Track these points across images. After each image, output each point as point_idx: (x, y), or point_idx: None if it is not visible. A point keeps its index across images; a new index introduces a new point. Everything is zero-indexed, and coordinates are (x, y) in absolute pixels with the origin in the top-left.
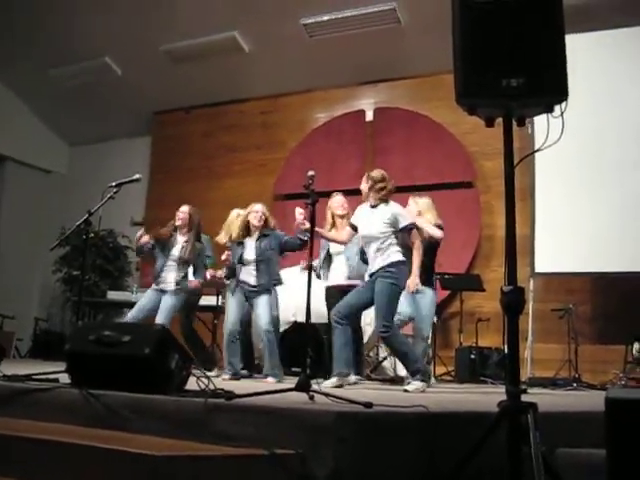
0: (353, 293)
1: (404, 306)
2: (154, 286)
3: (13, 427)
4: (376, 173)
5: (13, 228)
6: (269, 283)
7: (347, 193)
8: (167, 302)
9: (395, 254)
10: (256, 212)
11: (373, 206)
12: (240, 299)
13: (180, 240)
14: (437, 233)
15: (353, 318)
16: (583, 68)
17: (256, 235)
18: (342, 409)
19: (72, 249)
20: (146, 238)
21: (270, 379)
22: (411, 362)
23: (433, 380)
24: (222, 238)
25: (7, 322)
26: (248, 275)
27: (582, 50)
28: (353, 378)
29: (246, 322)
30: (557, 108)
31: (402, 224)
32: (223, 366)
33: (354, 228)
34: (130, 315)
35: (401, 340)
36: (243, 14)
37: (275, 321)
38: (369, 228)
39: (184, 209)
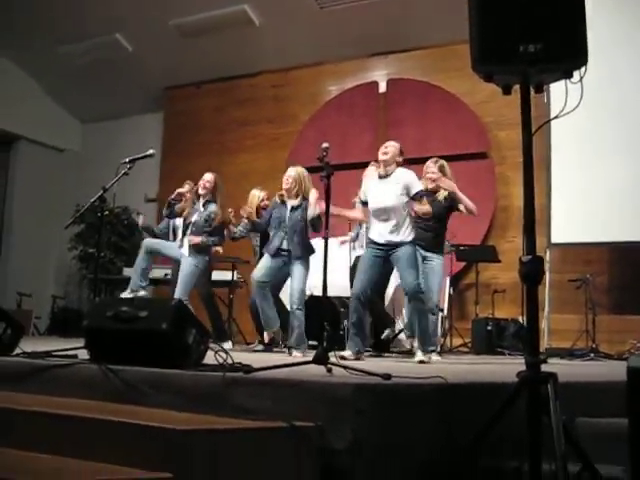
0: (367, 268)
1: None
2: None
3: (33, 402)
4: (401, 146)
5: (28, 207)
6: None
7: (360, 166)
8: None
9: (410, 232)
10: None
11: (384, 177)
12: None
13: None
14: (474, 208)
15: (378, 293)
16: (601, 34)
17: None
18: (360, 381)
19: (87, 227)
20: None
21: (296, 352)
22: (428, 336)
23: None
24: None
25: (25, 300)
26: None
27: (601, 16)
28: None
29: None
30: (576, 74)
31: (414, 190)
32: (242, 339)
33: (364, 203)
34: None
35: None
36: None
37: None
38: (383, 200)
39: (210, 177)
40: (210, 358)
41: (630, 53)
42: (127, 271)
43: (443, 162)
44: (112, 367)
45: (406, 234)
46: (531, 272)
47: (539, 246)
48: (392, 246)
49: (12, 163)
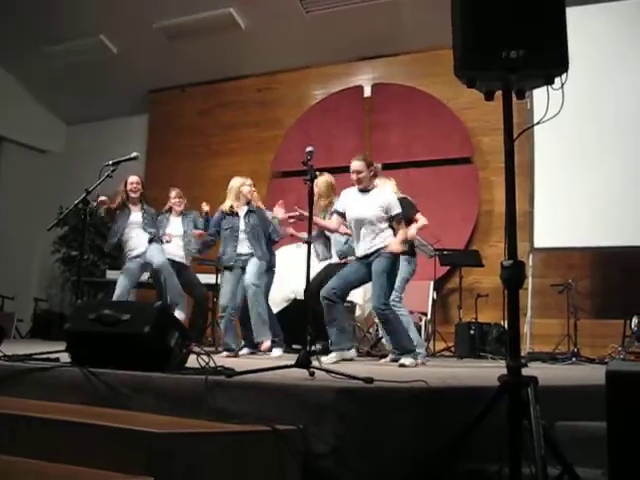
0: (349, 272)
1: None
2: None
3: (15, 406)
4: (366, 158)
5: (11, 209)
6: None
7: (345, 170)
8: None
9: (390, 237)
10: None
11: (364, 190)
12: (236, 272)
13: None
14: (424, 222)
15: (345, 296)
16: (581, 41)
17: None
18: (343, 385)
19: (70, 229)
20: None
21: (275, 351)
22: (406, 341)
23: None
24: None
25: (7, 303)
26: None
27: (580, 23)
28: (353, 352)
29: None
30: (557, 80)
31: (394, 212)
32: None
33: (341, 214)
34: None
35: (397, 318)
36: None
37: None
38: (362, 212)
39: (135, 179)
40: (193, 362)
41: (614, 58)
42: (110, 274)
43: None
44: (94, 370)
45: (381, 246)
46: (512, 276)
47: (522, 251)
48: (371, 255)
49: None
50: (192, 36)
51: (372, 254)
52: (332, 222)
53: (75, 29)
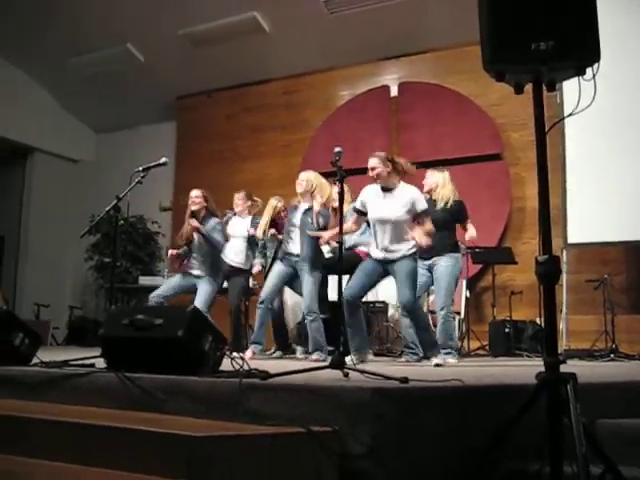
0: (364, 275)
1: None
2: None
3: (52, 412)
4: (386, 154)
5: (44, 219)
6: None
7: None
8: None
9: (412, 248)
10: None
11: (386, 189)
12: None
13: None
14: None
15: (363, 298)
16: (615, 32)
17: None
18: (378, 385)
19: (103, 237)
20: (173, 251)
21: (315, 355)
22: (431, 339)
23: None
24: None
25: (43, 311)
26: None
27: (615, 13)
28: (370, 354)
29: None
30: (589, 71)
31: (419, 207)
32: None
33: (361, 213)
34: None
35: (424, 317)
36: None
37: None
38: (385, 212)
39: (197, 193)
40: (227, 365)
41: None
42: (143, 280)
43: (435, 170)
44: (129, 375)
45: (406, 248)
46: (548, 271)
47: (555, 247)
48: (390, 261)
49: (28, 175)
50: (217, 41)
51: (393, 261)
52: (350, 225)
53: (102, 39)
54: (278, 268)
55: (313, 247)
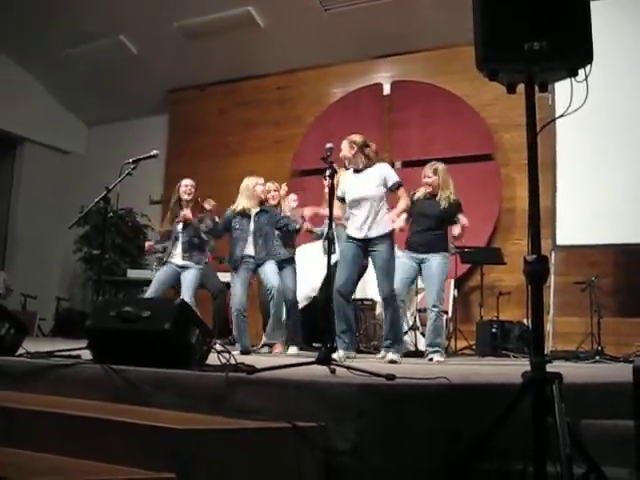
0: (350, 267)
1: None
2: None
3: (37, 402)
4: (358, 138)
5: (33, 209)
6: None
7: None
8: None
9: (388, 225)
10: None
11: (358, 170)
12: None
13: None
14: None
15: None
16: (606, 34)
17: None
18: (364, 382)
19: (92, 228)
20: (150, 243)
21: (292, 349)
22: (398, 335)
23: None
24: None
25: (30, 302)
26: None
27: (606, 16)
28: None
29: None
30: (581, 72)
31: (390, 182)
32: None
33: (342, 200)
34: None
35: (398, 310)
36: None
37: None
38: (360, 191)
39: (192, 182)
40: (213, 359)
41: (636, 52)
42: (131, 273)
43: (438, 166)
44: (115, 367)
45: (383, 226)
46: (536, 271)
47: (544, 248)
48: (370, 240)
49: (17, 165)
50: (211, 35)
51: (372, 239)
52: (336, 212)
53: (95, 30)
54: (236, 277)
55: (271, 244)
